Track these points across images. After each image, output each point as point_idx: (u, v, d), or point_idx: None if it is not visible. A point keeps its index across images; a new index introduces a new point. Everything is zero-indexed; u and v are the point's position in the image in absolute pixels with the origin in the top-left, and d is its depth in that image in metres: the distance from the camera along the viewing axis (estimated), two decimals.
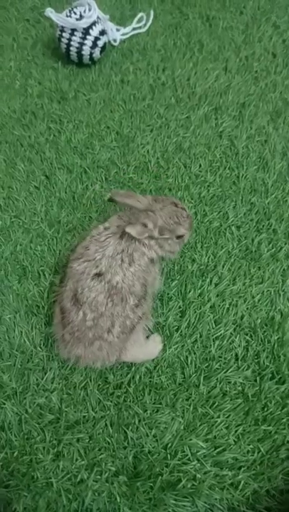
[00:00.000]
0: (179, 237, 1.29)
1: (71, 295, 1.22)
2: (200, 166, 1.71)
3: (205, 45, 2.07)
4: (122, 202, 1.27)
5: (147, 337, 1.34)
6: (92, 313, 1.18)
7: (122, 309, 1.20)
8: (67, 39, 1.87)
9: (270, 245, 1.53)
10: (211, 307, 1.41)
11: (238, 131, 1.79)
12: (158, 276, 1.34)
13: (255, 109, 1.86)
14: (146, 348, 1.31)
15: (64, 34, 1.87)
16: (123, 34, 2.08)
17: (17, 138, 1.78)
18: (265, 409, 1.26)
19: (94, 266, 1.21)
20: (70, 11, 1.86)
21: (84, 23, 1.81)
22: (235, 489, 1.17)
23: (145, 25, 2.12)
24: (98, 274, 1.20)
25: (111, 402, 1.26)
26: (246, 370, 1.31)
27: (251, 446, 1.22)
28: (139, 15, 2.10)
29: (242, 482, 1.17)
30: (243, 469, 1.19)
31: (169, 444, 1.21)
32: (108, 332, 1.19)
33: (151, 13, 2.15)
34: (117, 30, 2.06)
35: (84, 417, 1.25)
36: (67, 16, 1.84)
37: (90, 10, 1.83)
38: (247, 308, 1.41)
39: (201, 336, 1.36)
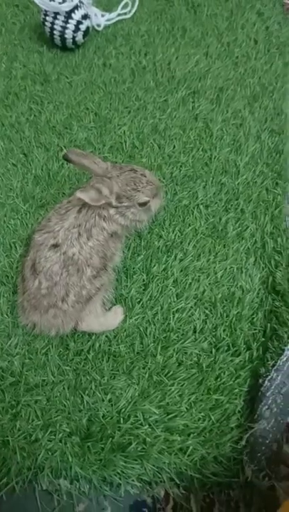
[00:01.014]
0: (142, 204, 1.28)
1: (30, 264, 1.27)
2: (174, 147, 1.74)
3: (188, 31, 2.10)
4: (77, 162, 1.25)
5: (109, 308, 1.39)
6: (46, 281, 1.22)
7: (78, 279, 1.24)
8: (51, 23, 1.92)
9: (237, 224, 1.56)
10: (173, 281, 1.44)
11: (214, 114, 1.82)
12: (118, 252, 1.36)
13: (233, 93, 1.89)
14: (103, 319, 1.34)
15: (47, 18, 1.92)
16: (108, 20, 2.11)
17: None
18: (219, 379, 1.29)
19: (52, 237, 1.25)
20: None
21: (66, 7, 1.85)
22: (184, 454, 1.21)
23: (130, 11, 2.16)
24: (55, 245, 1.24)
25: (70, 367, 1.31)
26: (203, 342, 1.35)
27: (202, 414, 1.25)
28: (124, 1, 2.13)
29: (190, 448, 1.21)
30: (192, 435, 1.22)
31: (123, 409, 1.25)
32: (62, 301, 1.23)
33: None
34: (102, 15, 2.10)
35: (43, 380, 1.29)
36: (50, 1, 1.89)
37: None
38: (209, 284, 1.45)
39: (162, 309, 1.40)
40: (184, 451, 1.21)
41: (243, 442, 1.19)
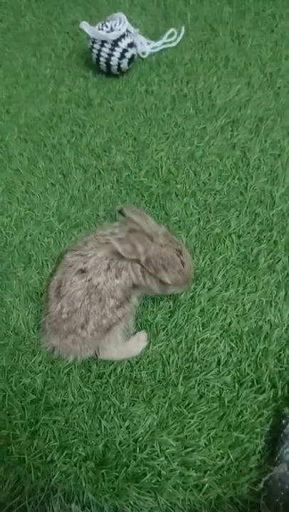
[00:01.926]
0: (161, 281, 1.26)
1: (56, 286, 1.28)
2: (209, 174, 1.74)
3: (231, 61, 2.13)
4: (130, 217, 1.26)
5: (134, 333, 1.39)
6: (68, 306, 1.24)
7: (99, 308, 1.24)
8: (98, 50, 2.00)
9: (269, 256, 1.53)
10: (200, 310, 1.43)
11: (252, 143, 1.82)
12: (133, 306, 1.35)
13: (273, 123, 1.88)
14: (124, 348, 1.34)
15: (95, 45, 2.00)
16: (153, 48, 2.17)
17: (42, 138, 1.91)
18: (240, 416, 1.25)
19: (82, 261, 1.26)
20: (102, 24, 1.99)
21: (113, 36, 1.92)
22: (199, 491, 1.17)
23: (175, 40, 2.21)
24: (82, 271, 1.24)
25: (90, 390, 1.31)
26: (226, 375, 1.32)
27: (221, 451, 1.21)
28: (170, 30, 2.19)
29: (206, 485, 1.17)
30: (209, 473, 1.19)
31: (140, 438, 1.23)
32: (82, 328, 1.24)
33: (183, 29, 2.23)
34: (148, 43, 2.16)
35: (63, 401, 1.30)
36: (99, 29, 1.97)
37: (120, 23, 1.94)
38: (236, 315, 1.42)
39: (186, 337, 1.38)
40: (200, 488, 1.17)
41: (262, 485, 1.14)
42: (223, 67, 2.10)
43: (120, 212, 1.29)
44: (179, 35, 2.22)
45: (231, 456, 1.20)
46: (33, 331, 1.42)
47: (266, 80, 2.04)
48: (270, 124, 1.87)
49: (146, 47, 2.14)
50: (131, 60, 2.04)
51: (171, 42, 2.21)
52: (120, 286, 1.25)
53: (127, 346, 1.35)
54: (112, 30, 1.96)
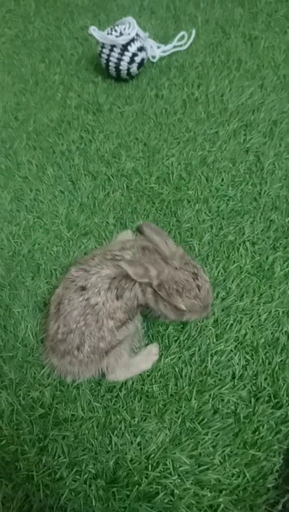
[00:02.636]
0: (175, 307, 1.17)
1: (57, 302, 1.23)
2: (222, 180, 1.70)
3: (243, 64, 2.08)
4: (148, 235, 1.19)
5: (145, 345, 1.34)
6: (64, 327, 1.19)
7: (96, 330, 1.17)
8: (107, 55, 1.97)
9: (285, 264, 1.47)
10: (214, 321, 1.38)
11: (266, 147, 1.76)
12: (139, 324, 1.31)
13: (288, 126, 1.82)
14: (132, 366, 1.29)
15: (104, 50, 1.97)
16: (163, 51, 2.14)
17: (50, 145, 1.88)
18: (257, 433, 1.20)
19: (84, 278, 1.19)
20: (111, 29, 1.96)
21: (122, 40, 1.89)
22: None
23: (186, 43, 2.17)
24: (82, 288, 1.18)
25: (100, 404, 1.27)
26: (242, 389, 1.26)
27: (237, 469, 1.16)
28: (181, 33, 2.15)
29: (221, 506, 1.12)
30: (224, 492, 1.13)
31: (152, 455, 1.19)
32: (78, 349, 1.19)
33: (193, 32, 2.19)
34: (158, 47, 2.12)
35: (73, 415, 1.26)
36: (108, 34, 1.94)
37: (129, 28, 1.91)
38: (251, 327, 1.37)
39: (199, 350, 1.33)
40: (215, 508, 1.12)
41: (280, 507, 1.08)
42: (235, 70, 2.05)
43: (138, 229, 1.21)
44: (189, 38, 2.18)
45: (248, 475, 1.15)
46: (42, 343, 1.38)
47: (280, 83, 1.99)
48: (285, 128, 1.82)
49: (156, 51, 2.10)
50: (141, 64, 2.00)
51: (181, 45, 2.18)
52: (121, 308, 1.18)
53: (136, 363, 1.30)
54: (121, 34, 1.93)
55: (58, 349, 1.22)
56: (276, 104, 1.91)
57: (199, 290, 1.14)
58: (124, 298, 1.18)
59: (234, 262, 1.49)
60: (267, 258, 1.49)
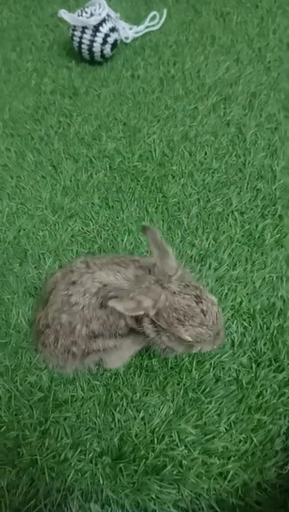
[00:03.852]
0: (180, 339, 1.01)
1: (51, 288, 1.17)
2: (205, 153, 1.69)
3: (217, 39, 2.07)
4: (152, 241, 1.02)
5: None
6: (44, 319, 1.16)
7: (68, 332, 1.11)
8: (79, 37, 1.94)
9: (275, 231, 1.47)
10: (208, 292, 1.36)
11: (247, 119, 1.76)
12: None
13: (266, 97, 1.83)
14: (126, 352, 1.24)
15: (76, 33, 1.94)
16: (136, 32, 2.12)
17: (28, 131, 1.84)
18: (261, 397, 1.19)
19: (79, 273, 1.10)
20: (81, 11, 1.93)
21: (93, 21, 1.86)
22: (224, 479, 1.10)
23: (158, 23, 2.15)
24: (73, 282, 1.10)
25: (100, 382, 1.24)
26: (242, 356, 1.25)
27: (243, 435, 1.15)
28: (152, 13, 2.13)
29: (231, 472, 1.11)
30: (233, 459, 1.12)
31: (157, 428, 1.17)
32: (53, 345, 1.15)
33: (165, 11, 2.18)
34: (130, 28, 2.10)
35: (72, 396, 1.23)
36: (78, 16, 1.91)
37: (99, 8, 1.88)
38: (247, 294, 1.36)
39: None
40: (224, 475, 1.11)
41: None
42: (210, 46, 2.05)
43: (143, 230, 1.05)
44: (161, 18, 2.16)
45: (255, 439, 1.14)
46: (32, 337, 1.35)
47: (255, 56, 1.99)
48: (264, 99, 1.82)
49: (128, 32, 2.08)
50: (114, 45, 1.97)
51: (154, 25, 2.16)
52: (100, 320, 1.08)
53: (128, 345, 1.22)
54: (91, 15, 1.90)
55: (39, 338, 1.20)
56: (253, 76, 1.91)
57: (205, 315, 0.96)
58: (108, 310, 1.06)
59: (224, 232, 1.48)
60: (257, 226, 1.49)
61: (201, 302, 0.96)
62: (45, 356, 1.23)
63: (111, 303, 0.94)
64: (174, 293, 0.97)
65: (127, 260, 1.10)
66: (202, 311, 0.96)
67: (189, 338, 0.98)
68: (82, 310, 1.08)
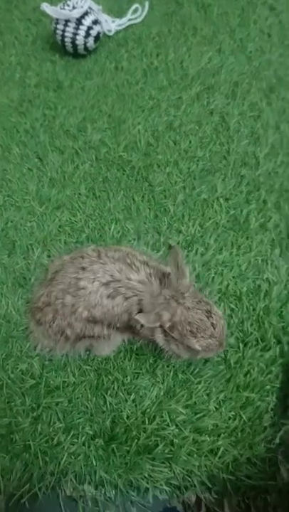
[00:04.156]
0: (190, 348, 1.10)
1: (57, 269, 1.20)
2: (190, 142, 1.71)
3: (199, 31, 2.10)
4: (173, 260, 1.08)
5: None
6: (46, 297, 1.18)
7: (69, 314, 1.14)
8: (62, 30, 1.94)
9: (259, 215, 1.50)
10: (196, 276, 1.39)
11: (230, 108, 1.79)
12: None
13: (248, 86, 1.86)
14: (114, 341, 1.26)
15: (58, 26, 1.94)
16: (118, 25, 2.13)
17: (14, 125, 1.84)
18: (248, 375, 1.22)
19: (90, 261, 1.14)
20: (63, 4, 1.93)
21: (76, 13, 1.87)
22: (215, 456, 1.13)
23: (140, 15, 2.17)
24: (83, 268, 1.14)
25: (91, 367, 1.26)
26: (230, 337, 1.28)
27: (232, 412, 1.18)
28: (134, 6, 2.15)
29: (221, 449, 1.13)
30: (223, 436, 1.15)
31: (148, 410, 1.19)
32: (49, 325, 1.18)
33: (146, 4, 2.19)
34: (113, 21, 2.11)
35: (64, 382, 1.25)
36: (61, 9, 1.91)
37: (82, 1, 1.89)
38: (233, 277, 1.38)
39: None
40: (215, 452, 1.13)
41: (277, 440, 1.11)
42: (192, 37, 2.07)
43: (169, 248, 1.12)
44: (143, 10, 2.18)
45: (244, 416, 1.17)
46: (25, 316, 1.36)
47: (237, 46, 2.02)
48: (246, 87, 1.85)
49: (111, 24, 2.09)
50: (97, 38, 1.99)
51: (136, 18, 2.17)
52: (104, 309, 1.12)
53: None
54: (74, 8, 1.91)
55: (35, 316, 1.21)
56: (235, 66, 1.94)
57: (214, 328, 1.07)
58: (115, 302, 1.12)
59: (210, 218, 1.51)
60: (241, 211, 1.52)
61: (212, 317, 1.07)
62: (37, 336, 1.24)
63: (136, 317, 1.04)
64: (189, 308, 1.06)
65: (139, 263, 1.15)
66: (212, 324, 1.07)
67: (199, 348, 1.08)
68: (89, 295, 1.12)
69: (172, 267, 1.09)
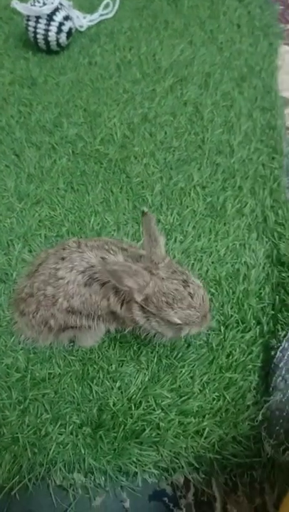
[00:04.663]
0: (169, 322, 1.04)
1: (39, 262, 1.21)
2: (165, 133, 1.73)
3: (170, 24, 2.12)
4: (145, 226, 1.05)
5: None
6: (29, 288, 1.18)
7: (50, 304, 1.14)
8: (34, 27, 1.94)
9: (236, 201, 1.53)
10: (175, 264, 1.40)
11: (203, 98, 1.81)
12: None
13: (220, 76, 1.88)
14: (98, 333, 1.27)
15: (30, 23, 1.94)
16: (90, 21, 2.14)
17: None
18: (230, 357, 1.24)
19: (70, 251, 1.13)
20: (34, 1, 1.93)
21: (47, 10, 1.87)
22: (200, 437, 1.15)
23: (112, 11, 2.18)
24: (62, 258, 1.13)
25: (76, 357, 1.27)
26: (211, 320, 1.30)
27: (216, 393, 1.20)
28: (105, 1, 2.16)
29: (207, 429, 1.15)
30: (207, 417, 1.17)
31: (134, 396, 1.20)
32: (33, 316, 1.18)
33: None
34: (84, 17, 2.12)
35: (50, 374, 1.25)
36: (31, 5, 1.91)
37: None
38: (212, 263, 1.41)
39: None
40: (201, 433, 1.15)
41: (260, 417, 1.13)
42: (164, 31, 2.09)
43: (143, 214, 1.08)
44: (114, 5, 2.19)
45: (227, 396, 1.19)
46: (8, 311, 1.36)
47: (208, 38, 2.05)
48: (218, 78, 1.88)
49: (82, 20, 2.10)
50: (69, 33, 1.99)
51: (107, 13, 2.18)
52: (82, 297, 1.11)
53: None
54: (44, 4, 1.91)
55: (19, 307, 1.22)
56: (207, 57, 1.96)
57: (192, 298, 1.01)
58: (92, 289, 1.10)
59: (187, 206, 1.53)
60: (218, 198, 1.54)
61: (188, 286, 1.01)
62: (21, 327, 1.25)
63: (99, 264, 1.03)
64: (163, 279, 1.01)
65: (116, 248, 1.13)
66: (189, 294, 1.00)
67: (178, 321, 1.02)
68: (67, 285, 1.11)
69: (145, 235, 1.05)
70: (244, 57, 1.94)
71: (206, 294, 1.06)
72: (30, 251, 1.48)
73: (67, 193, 1.60)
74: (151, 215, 1.05)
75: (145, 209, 1.09)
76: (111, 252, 1.11)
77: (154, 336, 1.15)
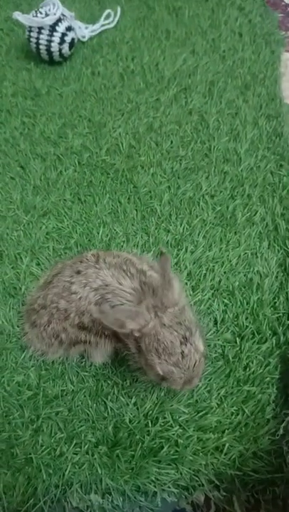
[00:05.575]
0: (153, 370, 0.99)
1: (55, 273, 1.19)
2: (171, 142, 1.72)
3: (172, 33, 2.12)
4: (160, 268, 0.98)
5: None
6: (43, 299, 1.16)
7: (62, 318, 1.12)
8: (36, 38, 1.93)
9: (245, 210, 1.51)
10: (187, 274, 1.38)
11: (208, 106, 1.80)
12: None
13: (224, 85, 1.88)
14: None
15: (32, 34, 1.94)
16: (92, 31, 2.13)
17: None
18: (247, 369, 1.22)
19: (87, 265, 1.11)
20: (36, 12, 1.93)
21: (49, 20, 1.87)
22: (220, 453, 1.12)
23: (113, 21, 2.18)
24: (78, 272, 1.11)
25: (89, 373, 1.24)
26: (226, 332, 1.28)
27: (235, 408, 1.17)
28: (106, 12, 2.16)
29: (226, 445, 1.12)
30: (227, 432, 1.14)
31: (150, 412, 1.17)
32: (44, 328, 1.16)
33: (118, 9, 2.20)
34: (86, 27, 2.12)
35: (62, 390, 1.22)
36: (33, 16, 1.91)
37: (54, 8, 1.89)
38: (224, 273, 1.39)
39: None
40: (220, 449, 1.12)
41: (281, 431, 1.10)
42: (166, 40, 2.09)
43: (160, 255, 1.08)
44: (115, 16, 2.19)
45: (246, 410, 1.16)
46: (18, 326, 1.33)
47: (210, 46, 2.04)
48: (222, 86, 1.87)
49: (84, 31, 2.09)
50: (71, 44, 1.98)
51: (109, 23, 2.18)
52: (92, 316, 1.08)
53: None
54: (46, 15, 1.90)
55: (30, 317, 1.19)
56: (210, 66, 1.96)
57: (182, 358, 0.93)
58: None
59: (197, 216, 1.51)
60: (227, 207, 1.52)
61: (185, 344, 0.94)
62: (31, 338, 1.22)
63: (93, 312, 1.01)
64: (164, 325, 0.95)
65: (134, 270, 1.09)
66: (182, 352, 0.94)
67: (160, 372, 0.96)
68: (79, 300, 1.08)
69: (160, 277, 0.99)
70: (247, 66, 1.94)
71: (202, 361, 0.98)
72: (38, 264, 1.45)
73: (74, 205, 1.58)
74: (168, 256, 0.99)
75: (164, 249, 1.06)
76: (128, 274, 1.07)
77: (135, 362, 1.10)
